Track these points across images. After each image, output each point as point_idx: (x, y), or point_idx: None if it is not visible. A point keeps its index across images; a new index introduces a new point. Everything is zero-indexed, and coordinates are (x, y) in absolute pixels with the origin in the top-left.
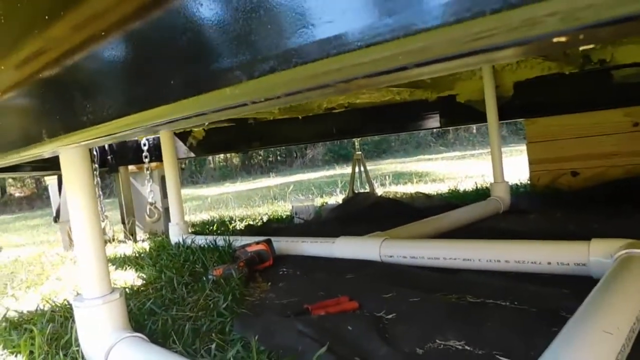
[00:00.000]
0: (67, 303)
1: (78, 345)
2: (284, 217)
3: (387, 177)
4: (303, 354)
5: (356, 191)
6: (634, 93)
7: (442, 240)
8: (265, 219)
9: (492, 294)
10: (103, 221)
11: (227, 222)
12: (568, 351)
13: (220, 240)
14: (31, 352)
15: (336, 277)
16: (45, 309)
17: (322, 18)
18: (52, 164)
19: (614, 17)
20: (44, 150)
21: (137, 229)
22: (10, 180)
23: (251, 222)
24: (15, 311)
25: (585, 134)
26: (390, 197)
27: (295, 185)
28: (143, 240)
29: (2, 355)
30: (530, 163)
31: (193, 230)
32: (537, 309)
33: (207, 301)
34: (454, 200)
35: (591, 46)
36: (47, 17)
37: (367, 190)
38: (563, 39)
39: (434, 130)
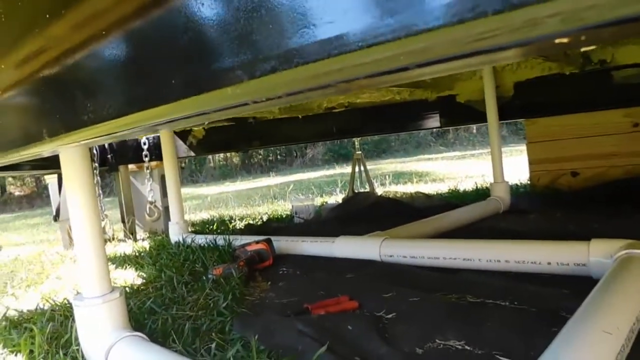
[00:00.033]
0: (67, 302)
1: (78, 344)
2: (284, 216)
3: (387, 176)
4: (303, 353)
5: (356, 191)
6: (634, 93)
7: (442, 240)
8: (265, 218)
9: (492, 294)
10: (103, 220)
11: (227, 222)
12: (568, 351)
13: (220, 240)
14: (31, 351)
15: (336, 276)
16: (45, 308)
17: (324, 18)
18: (52, 163)
19: (616, 17)
20: (44, 149)
21: (137, 228)
22: (10, 179)
23: (251, 222)
24: (15, 310)
25: (586, 134)
26: (390, 196)
27: (295, 184)
28: (143, 239)
29: (2, 354)
30: (530, 163)
31: (193, 229)
32: (537, 309)
33: (207, 300)
34: (454, 200)
35: (592, 47)
36: (47, 16)
37: (367, 189)
38: (565, 39)
39: (434, 130)
